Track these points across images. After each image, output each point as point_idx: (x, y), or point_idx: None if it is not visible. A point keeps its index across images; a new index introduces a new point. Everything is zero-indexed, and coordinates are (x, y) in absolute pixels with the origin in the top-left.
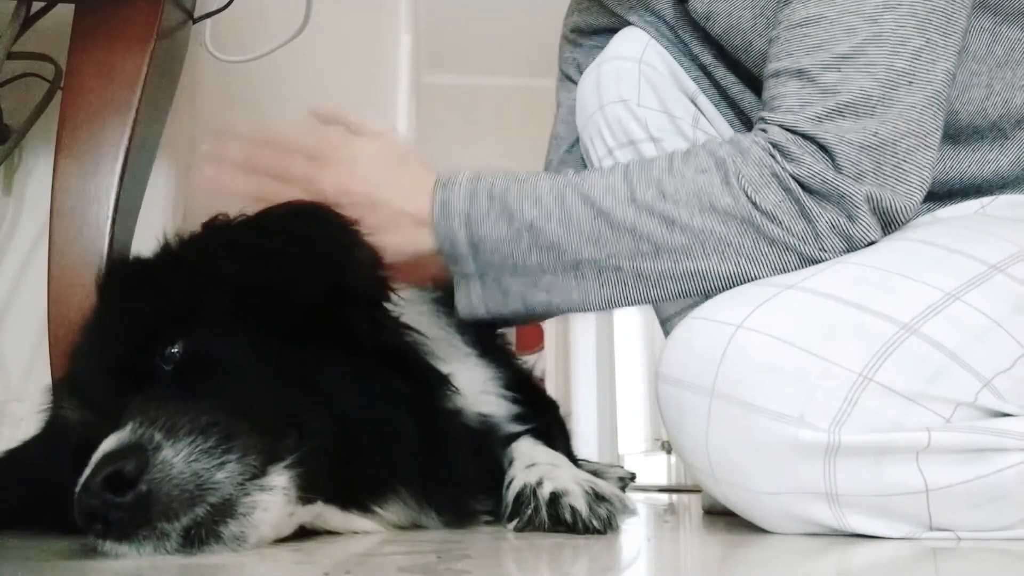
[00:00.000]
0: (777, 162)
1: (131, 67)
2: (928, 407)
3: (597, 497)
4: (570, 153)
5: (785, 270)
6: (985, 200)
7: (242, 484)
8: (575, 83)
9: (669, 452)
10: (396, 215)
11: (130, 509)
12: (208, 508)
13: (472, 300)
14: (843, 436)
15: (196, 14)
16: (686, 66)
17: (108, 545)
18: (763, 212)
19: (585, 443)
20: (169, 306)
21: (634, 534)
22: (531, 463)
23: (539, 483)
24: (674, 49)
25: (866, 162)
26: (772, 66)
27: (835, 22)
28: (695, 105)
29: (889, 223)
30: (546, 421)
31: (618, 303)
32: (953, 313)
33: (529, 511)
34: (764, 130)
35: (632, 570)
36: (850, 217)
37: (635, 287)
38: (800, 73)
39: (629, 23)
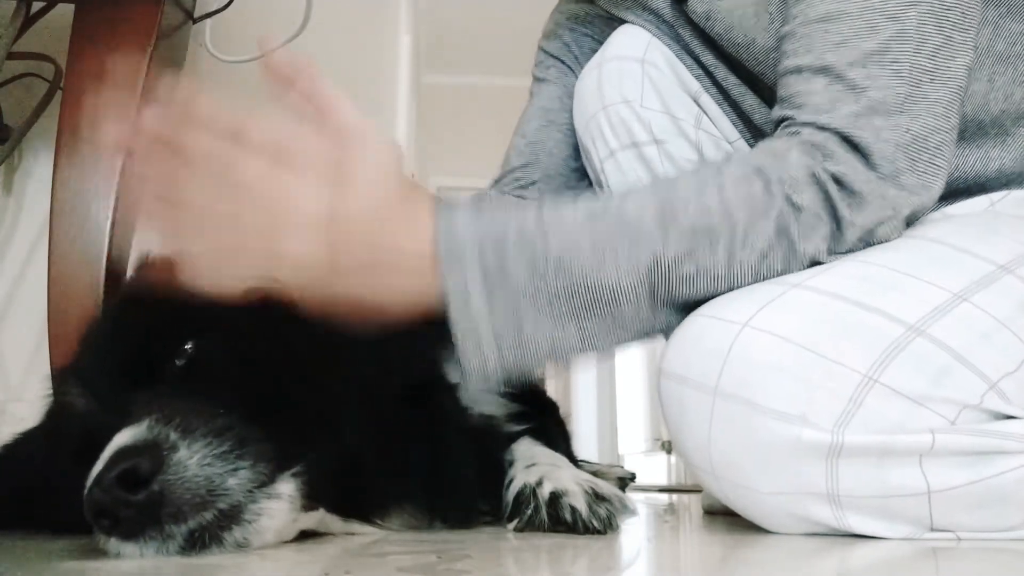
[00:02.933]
0: (817, 162)
1: (131, 67)
2: (933, 409)
3: (597, 497)
4: (557, 129)
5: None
6: (995, 196)
7: (251, 491)
8: (564, 63)
9: (669, 452)
10: (396, 259)
11: (141, 508)
12: (216, 513)
13: (485, 354)
14: (846, 437)
15: (196, 14)
16: (688, 64)
17: (112, 542)
18: (801, 214)
19: (585, 443)
20: (187, 304)
21: (634, 534)
22: (531, 463)
23: (539, 483)
24: (676, 47)
25: (902, 160)
26: (791, 62)
27: (858, 19)
28: (698, 105)
29: (911, 221)
30: (546, 421)
31: (643, 338)
32: (960, 314)
33: (529, 511)
34: (796, 132)
35: (632, 570)
36: (879, 219)
37: (663, 315)
38: (825, 70)
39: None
